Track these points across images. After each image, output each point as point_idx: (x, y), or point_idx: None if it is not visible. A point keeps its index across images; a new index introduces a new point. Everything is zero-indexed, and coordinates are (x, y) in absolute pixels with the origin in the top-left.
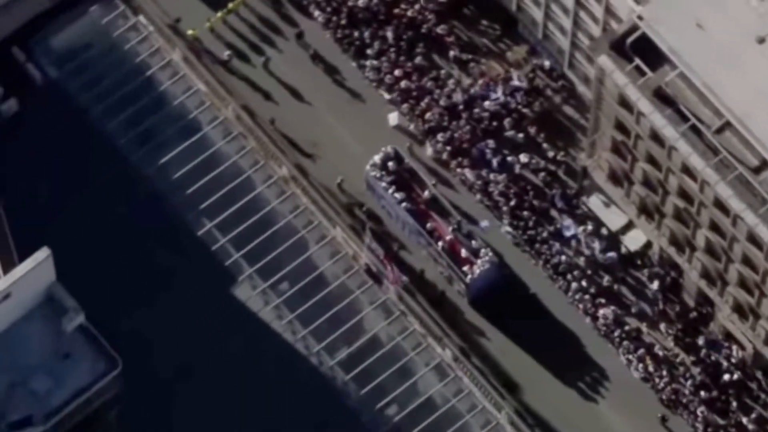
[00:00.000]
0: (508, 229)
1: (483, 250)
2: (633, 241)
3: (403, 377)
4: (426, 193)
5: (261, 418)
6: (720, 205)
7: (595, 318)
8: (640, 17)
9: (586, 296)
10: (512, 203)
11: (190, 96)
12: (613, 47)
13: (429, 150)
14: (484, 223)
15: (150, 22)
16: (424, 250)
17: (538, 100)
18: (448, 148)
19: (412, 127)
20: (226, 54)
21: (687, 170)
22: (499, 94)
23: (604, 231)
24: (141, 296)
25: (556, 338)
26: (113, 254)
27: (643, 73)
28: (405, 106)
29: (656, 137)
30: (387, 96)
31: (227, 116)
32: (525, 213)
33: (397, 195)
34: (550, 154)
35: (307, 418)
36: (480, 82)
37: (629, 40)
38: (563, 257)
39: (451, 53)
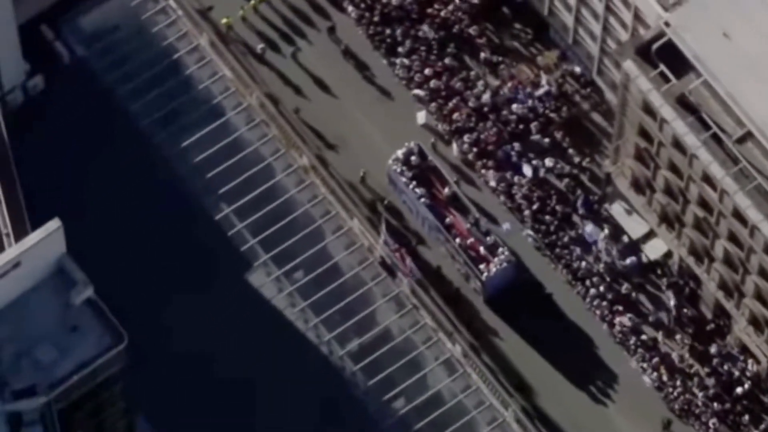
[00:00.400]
0: (530, 232)
1: (500, 249)
2: (653, 250)
3: (412, 370)
4: (446, 190)
5: (268, 404)
6: (738, 215)
7: (611, 324)
8: (667, 24)
9: (604, 303)
10: (535, 207)
11: (215, 81)
12: (638, 52)
13: (455, 150)
14: (506, 226)
15: (179, 6)
16: (442, 246)
17: (566, 105)
18: (474, 149)
19: (439, 126)
20: (259, 47)
21: (707, 179)
22: (527, 97)
23: (625, 238)
24: (155, 277)
25: (571, 341)
26: (129, 234)
27: (667, 80)
28: (433, 105)
29: (678, 145)
30: (416, 94)
31: (251, 103)
32: (547, 217)
33: (418, 190)
34: (576, 159)
35: (314, 406)
36: (509, 84)
37: (655, 46)
38: (583, 263)
39: (482, 55)
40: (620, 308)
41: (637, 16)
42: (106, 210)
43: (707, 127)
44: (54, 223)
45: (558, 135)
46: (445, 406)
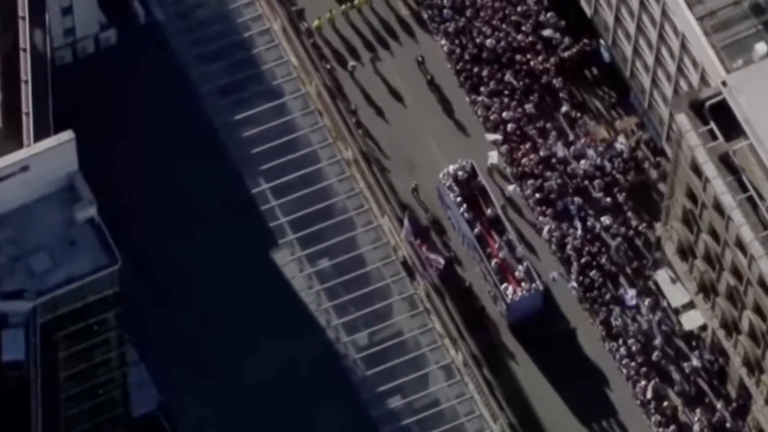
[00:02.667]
0: (575, 284)
1: (535, 283)
2: (690, 321)
3: (412, 369)
4: (489, 211)
5: (261, 377)
6: (763, 283)
7: (635, 385)
8: (724, 83)
9: (632, 363)
10: (583, 260)
11: (280, 65)
12: (692, 107)
13: (513, 188)
14: (553, 274)
15: None
16: (477, 266)
17: (635, 170)
18: (537, 195)
19: (507, 169)
20: (350, 65)
21: (740, 244)
22: (598, 156)
23: (665, 305)
24: (182, 233)
25: (590, 388)
26: (166, 191)
27: (715, 138)
28: (505, 147)
29: (718, 207)
30: (490, 133)
31: (309, 91)
32: (593, 272)
33: (462, 207)
34: (633, 223)
35: (308, 385)
36: (583, 140)
37: (709, 103)
38: (619, 322)
39: (563, 108)
40: (647, 372)
41: (703, 78)
42: (149, 163)
43: (746, 189)
44: (67, 134)
45: (620, 197)
46: (437, 408)
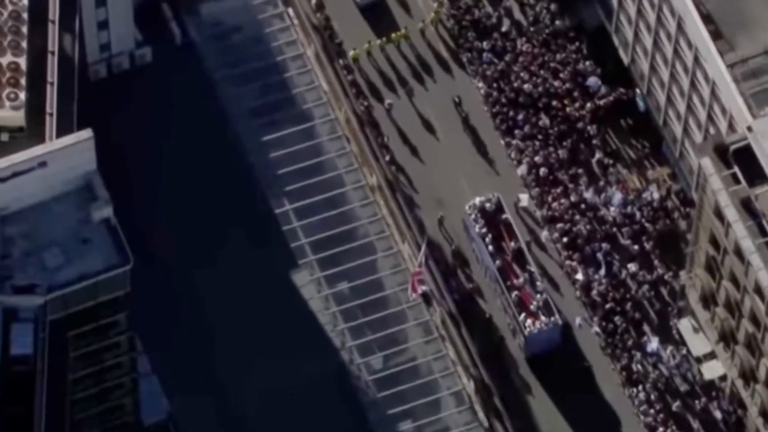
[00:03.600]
0: (597, 329)
1: (554, 317)
2: (710, 371)
3: (424, 394)
4: (513, 244)
5: (275, 399)
6: None
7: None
8: (749, 128)
9: (651, 411)
10: (608, 306)
11: (311, 90)
12: (717, 151)
13: (544, 234)
14: (577, 320)
15: (296, 16)
16: (498, 298)
17: (664, 219)
18: (564, 239)
19: (537, 212)
20: (387, 103)
21: (758, 290)
22: (628, 203)
23: (687, 354)
24: (205, 247)
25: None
26: (190, 207)
27: (738, 182)
28: (537, 190)
29: (738, 252)
30: (523, 177)
31: (338, 117)
32: (617, 318)
33: (486, 238)
34: (659, 271)
35: (319, 407)
36: (614, 188)
37: (734, 147)
38: (640, 368)
39: (596, 155)
40: (665, 419)
41: (731, 125)
42: (175, 181)
43: (766, 234)
44: (85, 133)
45: (648, 245)
46: None
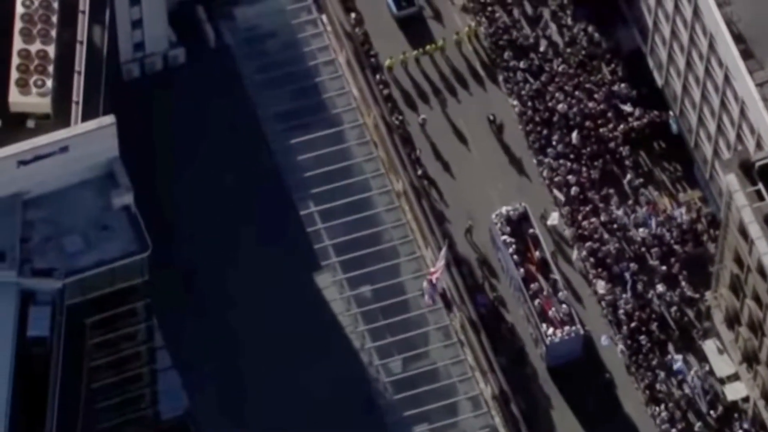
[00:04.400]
0: (623, 348)
1: (575, 326)
2: (734, 392)
3: (440, 398)
4: (537, 254)
5: (292, 397)
6: None
7: None
8: None
9: (673, 430)
10: (633, 325)
11: (341, 95)
12: (742, 167)
13: (574, 254)
14: (604, 340)
15: (329, 22)
16: (521, 308)
17: (693, 242)
18: (592, 258)
19: (566, 231)
20: (420, 118)
21: None
22: (657, 225)
23: (711, 375)
24: (229, 247)
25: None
26: (217, 207)
27: (763, 199)
28: (567, 209)
29: (761, 270)
30: (555, 196)
31: (367, 123)
32: (642, 338)
33: (511, 247)
34: (687, 293)
35: (335, 402)
36: (644, 209)
37: (759, 164)
38: (663, 387)
39: (628, 176)
40: None
41: (759, 145)
42: (203, 181)
43: None
44: (108, 119)
45: (676, 267)
46: None
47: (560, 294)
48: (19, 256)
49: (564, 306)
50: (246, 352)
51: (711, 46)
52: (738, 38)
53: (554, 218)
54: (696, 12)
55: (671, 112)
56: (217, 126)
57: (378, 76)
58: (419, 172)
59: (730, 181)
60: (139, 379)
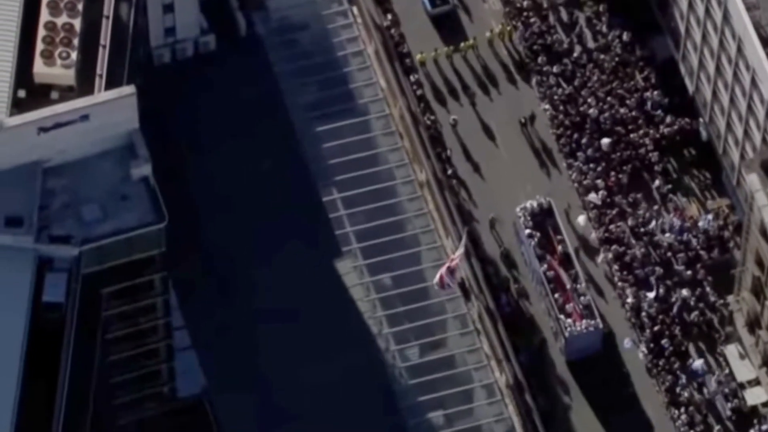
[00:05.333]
0: (644, 350)
1: (595, 320)
2: (754, 397)
3: (455, 384)
4: (560, 248)
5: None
6: None
7: None
8: None
9: None
10: (656, 328)
11: (368, 86)
12: (764, 167)
13: (600, 257)
14: (626, 342)
15: (360, 14)
16: (542, 301)
17: (719, 249)
18: (618, 262)
19: (593, 234)
20: (451, 119)
21: None
22: (684, 230)
23: (732, 380)
24: (251, 230)
25: None
26: (242, 193)
27: None
28: (595, 212)
29: None
30: (585, 200)
31: (393, 113)
32: (664, 341)
33: (533, 240)
34: (711, 299)
35: (348, 385)
36: (671, 214)
37: None
38: (685, 391)
39: (657, 182)
40: None
41: None
42: (228, 167)
43: None
44: (128, 88)
45: (701, 273)
46: (472, 423)
47: (580, 288)
48: (37, 223)
49: (584, 299)
50: (264, 334)
51: (739, 50)
52: (766, 42)
53: (582, 220)
54: (726, 16)
55: (701, 119)
56: (245, 113)
57: (412, 77)
58: (449, 171)
59: (752, 181)
60: (156, 354)
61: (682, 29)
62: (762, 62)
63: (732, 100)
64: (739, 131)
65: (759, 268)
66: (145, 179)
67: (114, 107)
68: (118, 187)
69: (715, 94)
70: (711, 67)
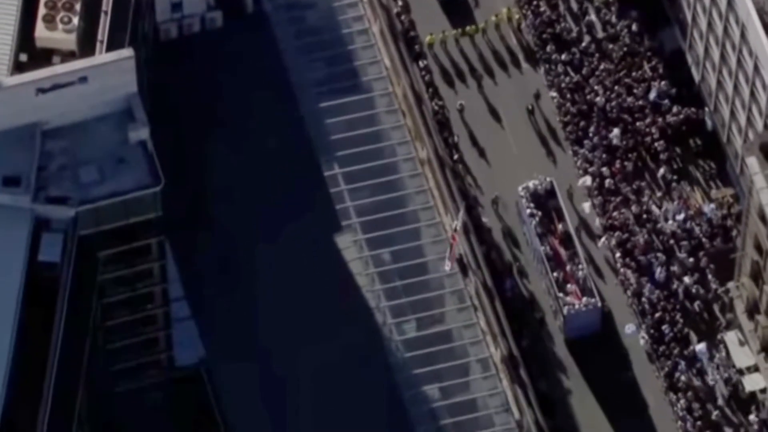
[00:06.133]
0: (645, 336)
1: (594, 299)
2: (752, 383)
3: (450, 358)
4: (561, 227)
5: (304, 350)
6: None
7: None
8: None
9: (689, 417)
10: (657, 315)
11: (373, 63)
12: (763, 150)
13: (600, 242)
14: (629, 327)
15: None
16: (543, 280)
17: (722, 238)
18: (620, 249)
19: (597, 220)
20: (459, 104)
21: None
22: (688, 219)
23: (732, 366)
24: (252, 203)
25: (635, 417)
26: (244, 165)
27: None
28: (599, 199)
29: None
30: (587, 186)
31: (396, 92)
32: (665, 327)
33: (534, 219)
34: (712, 286)
35: (347, 361)
36: (675, 203)
37: None
38: (683, 377)
39: (661, 170)
40: (703, 427)
41: None
42: (232, 141)
43: None
44: (126, 51)
45: (704, 260)
46: (467, 396)
47: (581, 267)
48: (35, 184)
49: (581, 274)
50: (263, 306)
51: (743, 36)
52: None
53: (587, 207)
54: (730, 2)
55: (707, 109)
56: (250, 88)
57: (421, 62)
58: (455, 157)
59: (751, 163)
60: (154, 321)
61: (689, 18)
62: (764, 47)
63: (736, 88)
64: (742, 119)
65: (758, 253)
66: (142, 143)
67: (112, 70)
68: (115, 150)
69: (719, 82)
70: (716, 55)
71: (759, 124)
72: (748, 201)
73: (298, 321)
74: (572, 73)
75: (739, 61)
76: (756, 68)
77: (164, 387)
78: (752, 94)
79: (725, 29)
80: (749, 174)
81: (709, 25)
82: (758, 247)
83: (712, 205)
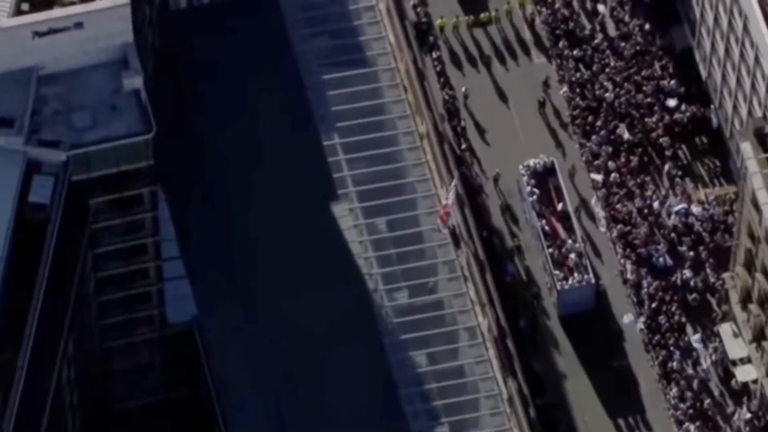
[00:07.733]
0: (642, 326)
1: (587, 275)
2: (744, 374)
3: (438, 324)
4: (560, 206)
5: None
6: None
7: (680, 425)
8: None
9: (681, 405)
10: (654, 305)
11: (377, 39)
12: (757, 136)
13: (602, 229)
14: (626, 317)
15: None
16: (539, 257)
17: (723, 233)
18: (622, 240)
19: (601, 212)
20: (464, 89)
21: None
22: (689, 213)
23: (725, 357)
24: (251, 168)
25: (627, 403)
26: (246, 132)
27: None
28: (603, 192)
29: None
30: (593, 179)
31: (399, 67)
32: (661, 317)
33: (533, 196)
34: (711, 279)
35: (339, 324)
36: (678, 198)
37: None
38: (676, 365)
39: (666, 166)
40: (694, 416)
41: None
42: (235, 107)
43: None
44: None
45: (704, 254)
46: (454, 363)
47: (577, 245)
48: (29, 126)
49: (577, 251)
50: (256, 268)
51: (745, 28)
52: None
53: (592, 202)
54: None
55: (712, 106)
56: (255, 58)
57: (434, 54)
58: (463, 145)
59: (745, 148)
60: (146, 275)
61: (698, 15)
62: (764, 37)
63: (738, 81)
64: (743, 112)
65: (750, 240)
66: (136, 91)
67: (108, 16)
68: (109, 98)
69: (724, 77)
70: (721, 49)
71: (758, 116)
72: (743, 188)
73: (290, 283)
74: (583, 69)
75: (741, 54)
76: (757, 59)
77: (156, 344)
78: (753, 86)
79: (729, 23)
80: (743, 160)
81: (716, 20)
82: (752, 235)
83: (714, 202)
